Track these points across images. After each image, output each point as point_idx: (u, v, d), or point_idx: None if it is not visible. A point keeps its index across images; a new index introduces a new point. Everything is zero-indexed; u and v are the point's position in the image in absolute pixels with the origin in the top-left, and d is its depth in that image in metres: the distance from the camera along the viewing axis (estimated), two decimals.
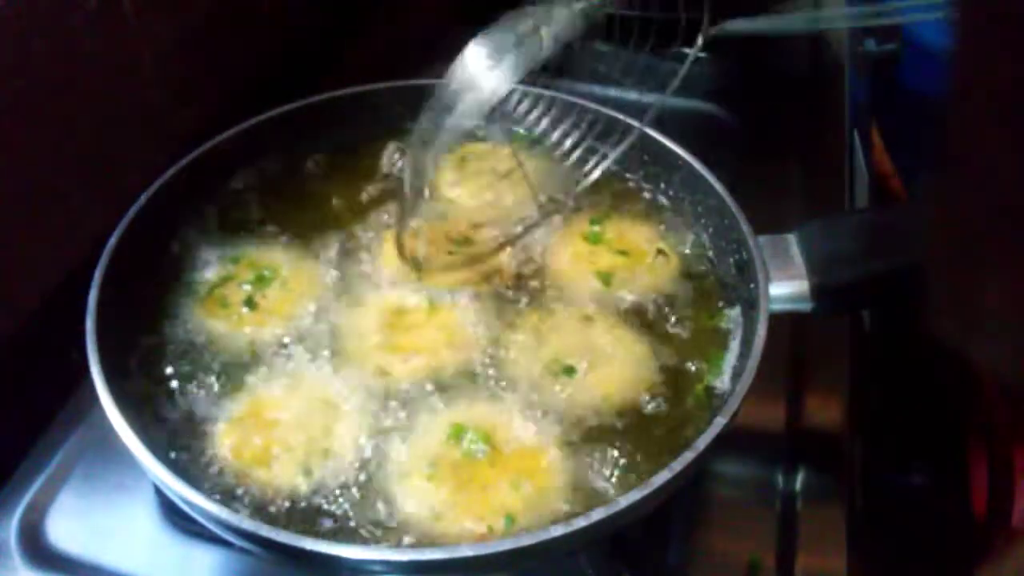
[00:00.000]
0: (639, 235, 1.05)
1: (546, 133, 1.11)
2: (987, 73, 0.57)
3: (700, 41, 1.01)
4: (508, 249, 1.04)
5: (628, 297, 0.99)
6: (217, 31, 1.28)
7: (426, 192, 0.99)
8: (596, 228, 1.06)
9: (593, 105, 1.10)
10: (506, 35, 0.90)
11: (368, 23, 1.58)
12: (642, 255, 1.03)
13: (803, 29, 1.00)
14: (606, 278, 1.00)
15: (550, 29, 0.91)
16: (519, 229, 1.05)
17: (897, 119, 1.68)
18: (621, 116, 1.08)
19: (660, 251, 1.03)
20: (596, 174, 1.08)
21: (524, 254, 1.04)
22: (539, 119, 1.12)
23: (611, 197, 1.10)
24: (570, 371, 0.91)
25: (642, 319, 0.98)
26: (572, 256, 1.03)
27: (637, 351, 0.94)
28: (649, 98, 1.06)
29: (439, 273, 1.00)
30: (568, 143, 1.09)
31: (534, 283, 1.01)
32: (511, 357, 0.93)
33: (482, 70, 0.89)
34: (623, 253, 1.03)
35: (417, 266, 0.99)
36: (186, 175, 1.01)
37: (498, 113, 1.13)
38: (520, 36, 0.90)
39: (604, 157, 1.08)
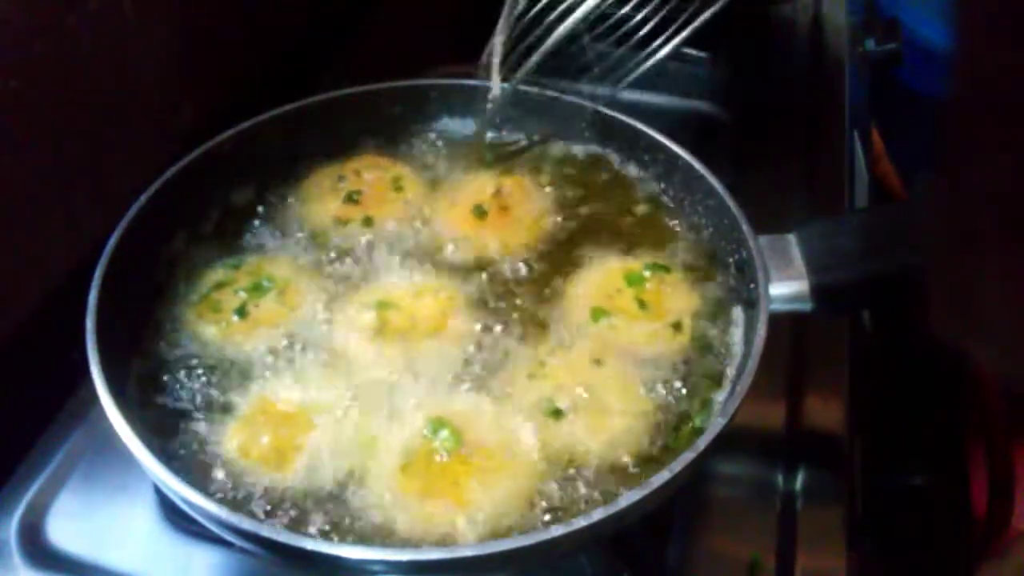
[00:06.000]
0: (666, 297, 0.99)
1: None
2: (987, 73, 0.57)
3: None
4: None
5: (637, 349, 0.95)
6: (217, 31, 1.28)
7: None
8: (637, 271, 1.00)
9: None
10: None
11: (370, 22, 1.58)
12: (660, 316, 0.96)
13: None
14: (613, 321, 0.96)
15: None
16: None
17: (897, 119, 1.67)
18: None
19: (676, 325, 0.96)
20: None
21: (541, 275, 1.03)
22: None
23: (615, 199, 1.10)
24: (558, 414, 0.88)
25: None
26: (591, 289, 0.99)
27: (635, 392, 0.90)
28: None
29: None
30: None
31: (545, 297, 1.00)
32: (503, 360, 0.93)
33: None
34: (642, 306, 0.97)
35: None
36: (186, 175, 1.01)
37: None
38: None
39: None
